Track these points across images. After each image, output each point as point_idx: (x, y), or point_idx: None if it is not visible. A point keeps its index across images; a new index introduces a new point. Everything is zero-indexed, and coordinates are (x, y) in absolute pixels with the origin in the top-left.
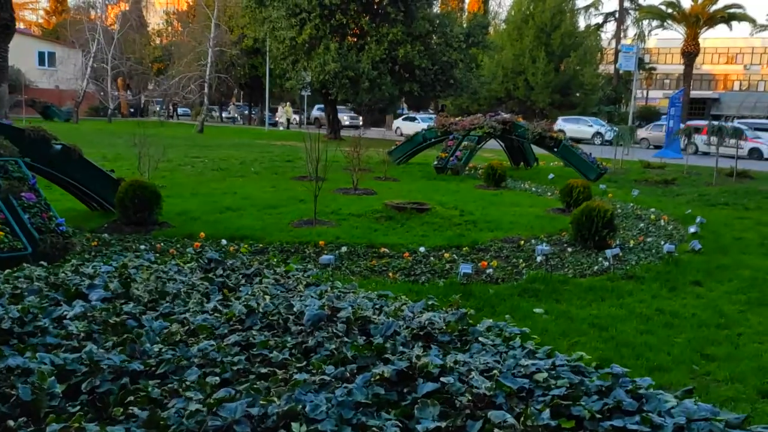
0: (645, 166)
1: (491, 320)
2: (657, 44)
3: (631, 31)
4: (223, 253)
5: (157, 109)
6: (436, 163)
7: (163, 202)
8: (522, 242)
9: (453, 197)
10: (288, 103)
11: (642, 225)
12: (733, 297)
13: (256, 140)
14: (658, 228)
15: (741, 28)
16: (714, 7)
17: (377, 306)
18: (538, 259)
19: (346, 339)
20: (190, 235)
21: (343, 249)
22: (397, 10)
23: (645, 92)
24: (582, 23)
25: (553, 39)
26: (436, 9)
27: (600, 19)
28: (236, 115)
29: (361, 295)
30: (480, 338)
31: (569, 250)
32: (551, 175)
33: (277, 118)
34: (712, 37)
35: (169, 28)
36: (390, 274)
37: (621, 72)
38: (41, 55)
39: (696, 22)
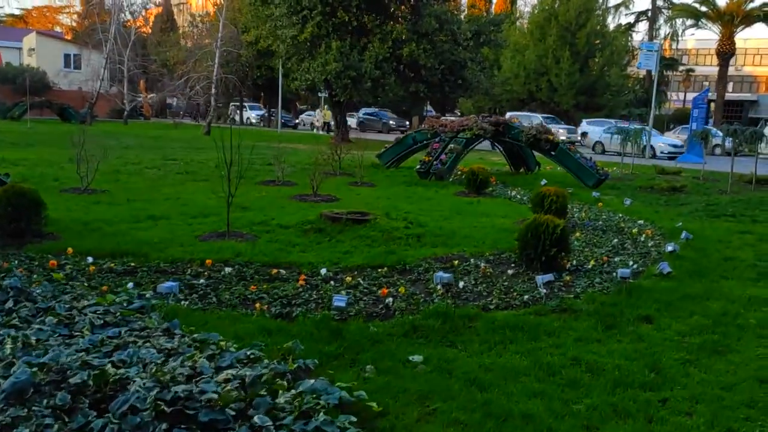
0: (659, 172)
1: (314, 381)
2: (696, 45)
3: (664, 31)
4: (79, 273)
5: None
6: (418, 167)
7: (89, 210)
8: (456, 262)
9: (420, 205)
10: (326, 106)
11: (616, 241)
12: (684, 340)
13: (259, 142)
14: (636, 244)
15: None
16: (751, 5)
17: (178, 355)
18: (460, 284)
19: (49, 421)
20: (67, 250)
21: (227, 270)
22: (402, 7)
23: (683, 94)
24: (611, 23)
25: (578, 38)
26: (463, 9)
27: (632, 19)
28: (236, 117)
29: (165, 343)
30: (257, 418)
31: (510, 272)
32: (544, 181)
33: (314, 122)
34: (754, 38)
35: (194, 30)
36: (258, 305)
37: (654, 73)
38: (67, 57)
39: (731, 20)
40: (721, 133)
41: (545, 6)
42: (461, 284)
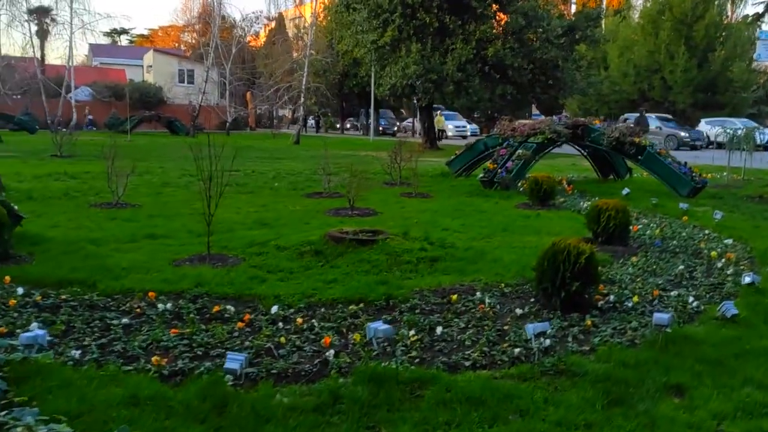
0: None
1: None
2: None
3: None
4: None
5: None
6: (481, 176)
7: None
8: (455, 296)
9: (465, 220)
10: (439, 112)
11: (682, 267)
12: (718, 430)
13: (343, 151)
14: (710, 272)
15: None
16: None
17: None
18: (437, 331)
19: None
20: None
21: (163, 306)
22: (485, 5)
23: None
24: (732, 13)
25: (695, 31)
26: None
27: (760, 9)
28: (313, 124)
29: None
30: None
31: (518, 311)
32: (626, 190)
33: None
34: None
35: (299, 42)
36: (155, 359)
37: None
38: (181, 72)
39: None
40: None
41: None
42: (439, 330)
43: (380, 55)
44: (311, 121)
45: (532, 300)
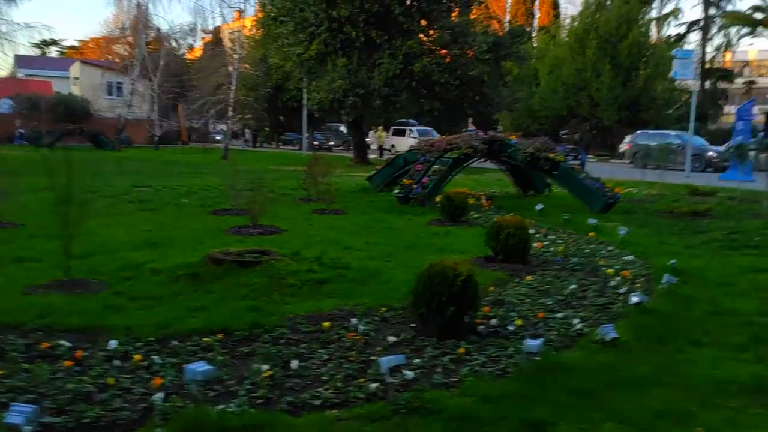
0: (690, 193)
1: None
2: (759, 56)
3: (719, 42)
4: None
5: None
6: (397, 192)
7: None
8: (328, 323)
9: (371, 238)
10: (381, 127)
11: (575, 287)
12: None
13: (270, 166)
14: (603, 292)
15: None
16: None
17: None
18: (293, 365)
19: None
20: None
21: None
22: (412, 21)
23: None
24: (658, 33)
25: (619, 50)
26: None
27: (682, 30)
28: (249, 139)
29: None
30: None
31: (391, 339)
32: (539, 206)
33: (369, 145)
34: None
35: (235, 55)
36: None
37: (707, 86)
38: (110, 85)
39: None
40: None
41: (585, 18)
42: (294, 364)
43: (308, 69)
44: (248, 136)
45: (412, 326)
